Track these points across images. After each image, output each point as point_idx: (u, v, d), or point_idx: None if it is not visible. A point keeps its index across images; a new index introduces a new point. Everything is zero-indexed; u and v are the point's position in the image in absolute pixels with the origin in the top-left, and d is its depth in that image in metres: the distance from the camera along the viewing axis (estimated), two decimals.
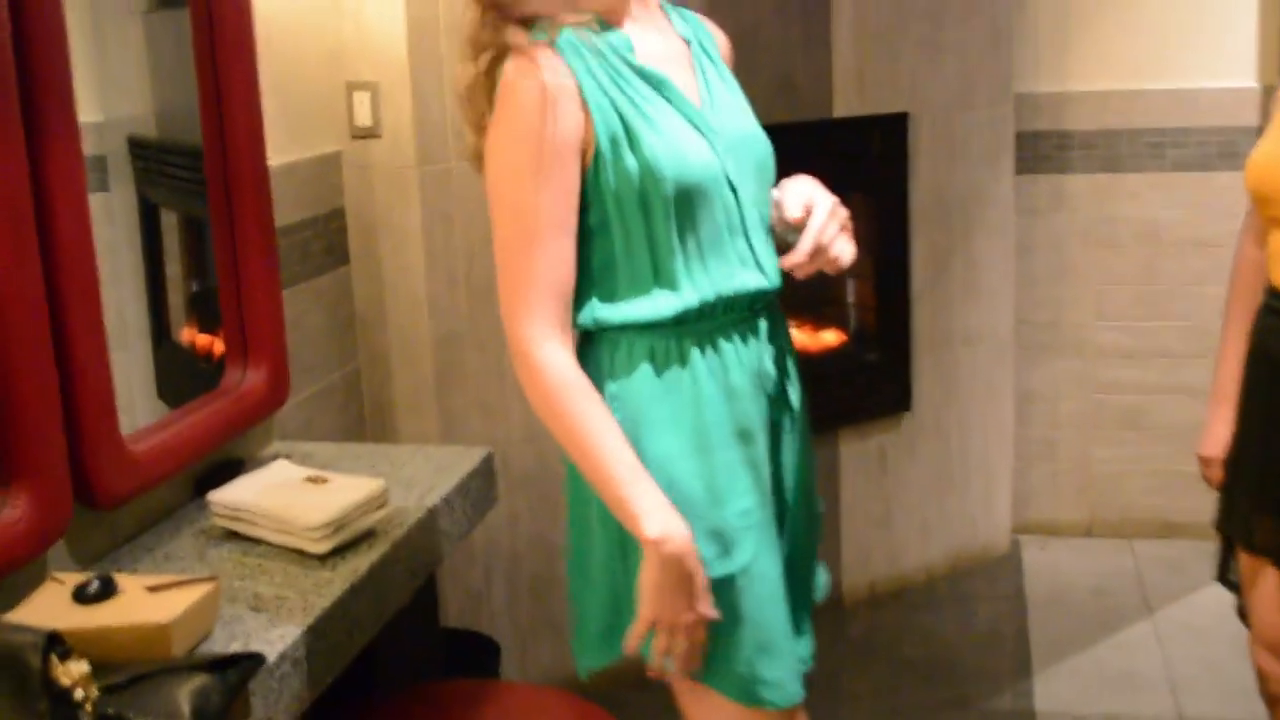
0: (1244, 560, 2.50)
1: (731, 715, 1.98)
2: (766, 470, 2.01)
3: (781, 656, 1.98)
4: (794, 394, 2.08)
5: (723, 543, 1.92)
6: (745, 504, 1.94)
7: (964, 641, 4.04)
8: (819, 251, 1.90)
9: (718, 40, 2.13)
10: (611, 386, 1.94)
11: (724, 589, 1.91)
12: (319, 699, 1.98)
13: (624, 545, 1.96)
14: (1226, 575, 2.63)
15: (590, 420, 1.87)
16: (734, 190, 1.94)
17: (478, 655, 2.93)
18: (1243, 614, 2.60)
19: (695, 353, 1.94)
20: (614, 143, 1.87)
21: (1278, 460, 2.37)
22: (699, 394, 1.93)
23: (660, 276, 1.90)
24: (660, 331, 1.92)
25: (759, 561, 1.95)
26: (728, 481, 1.93)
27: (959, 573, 4.45)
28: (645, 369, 1.93)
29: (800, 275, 1.94)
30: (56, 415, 1.93)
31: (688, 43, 2.05)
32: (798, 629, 2.10)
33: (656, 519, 1.82)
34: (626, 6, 1.95)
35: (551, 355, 1.86)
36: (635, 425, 1.92)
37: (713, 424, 1.94)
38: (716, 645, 1.93)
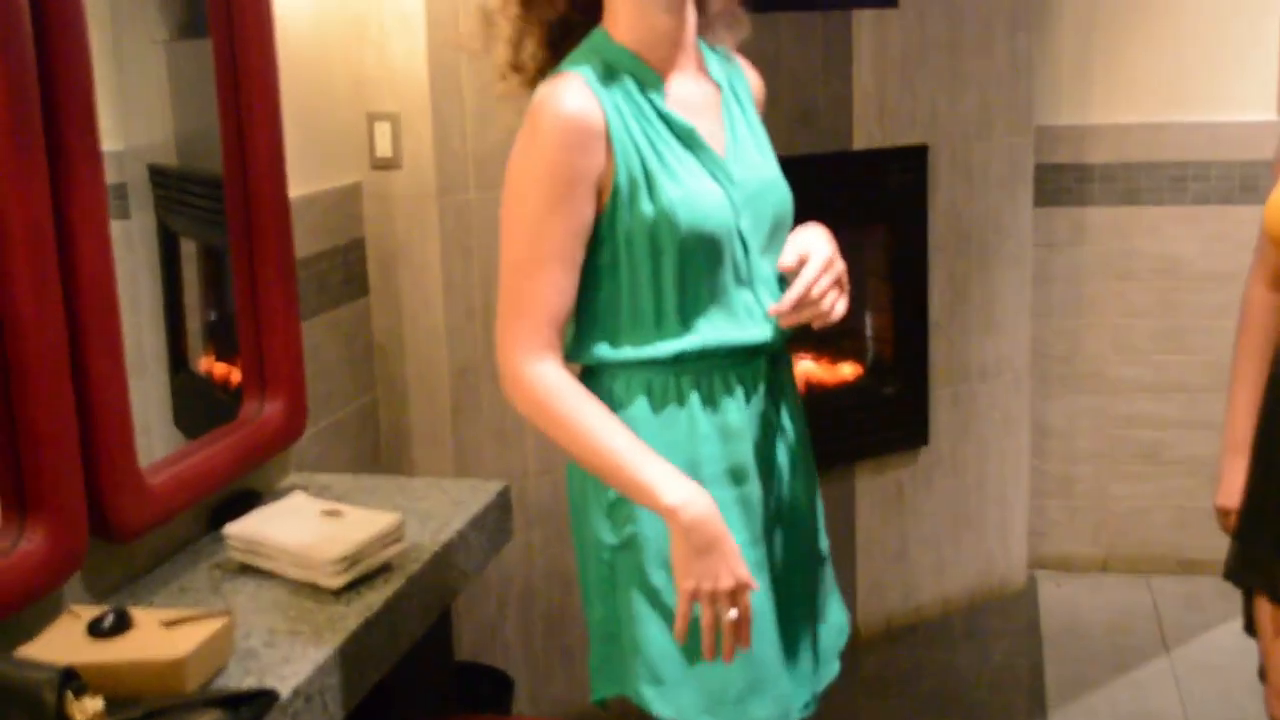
0: (1264, 609, 2.47)
1: None
2: (760, 510, 2.00)
3: (773, 694, 1.97)
4: (794, 437, 2.08)
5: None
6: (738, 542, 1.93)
7: (979, 678, 4.02)
8: (805, 303, 1.90)
9: (751, 83, 2.13)
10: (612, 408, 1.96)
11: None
12: None
13: (613, 577, 1.98)
14: (1252, 625, 2.60)
15: (587, 416, 1.88)
16: (744, 243, 1.95)
17: (491, 689, 2.93)
18: (1263, 672, 2.57)
19: (693, 392, 1.95)
20: (632, 186, 1.88)
21: None
22: (694, 431, 1.95)
23: (662, 320, 1.91)
24: (658, 368, 1.94)
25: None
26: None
27: (975, 608, 4.43)
28: (642, 403, 1.95)
29: (784, 325, 1.95)
30: (74, 447, 1.93)
31: (719, 86, 2.04)
32: (797, 666, 2.07)
33: (672, 487, 1.82)
34: (664, 47, 1.95)
35: (542, 368, 1.89)
36: None
37: (706, 461, 1.95)
38: (706, 682, 1.93)
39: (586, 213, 1.89)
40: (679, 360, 1.93)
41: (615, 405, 1.95)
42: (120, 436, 2.05)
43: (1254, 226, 2.48)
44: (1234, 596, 4.15)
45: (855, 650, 4.11)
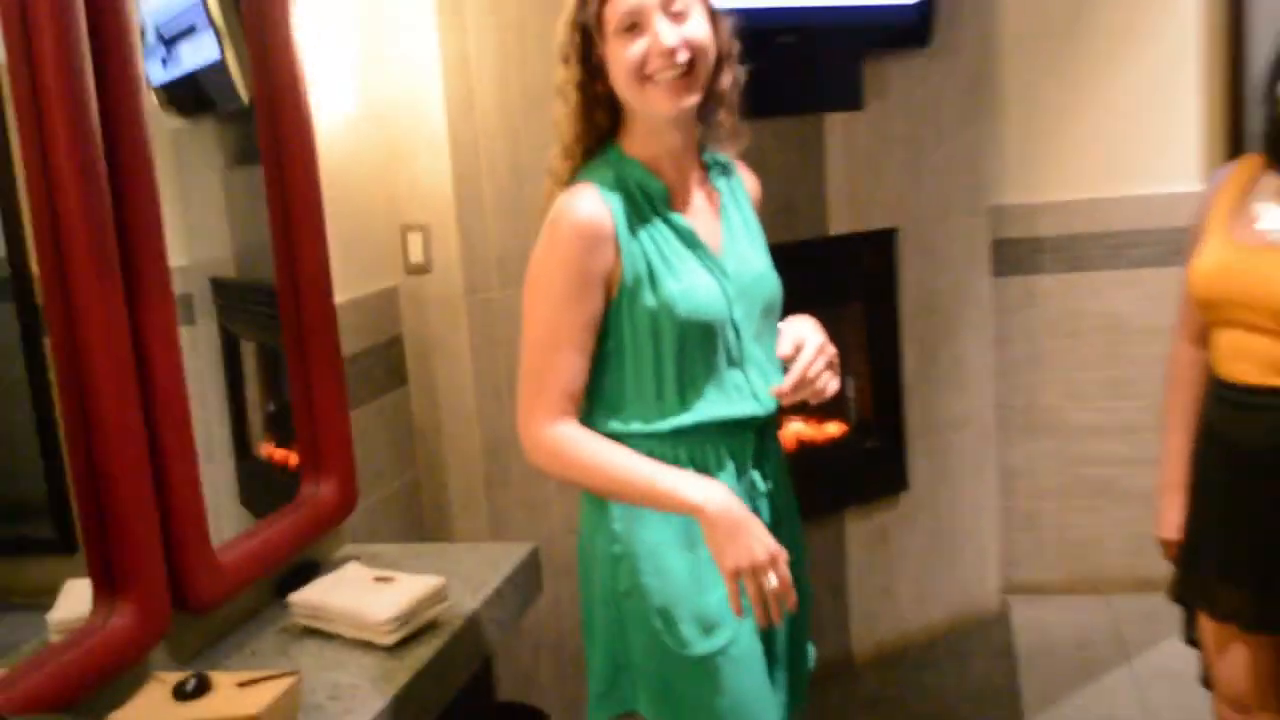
0: (1206, 626, 2.47)
1: None
2: None
3: None
4: (779, 496, 2.10)
5: (705, 625, 1.94)
6: (725, 592, 1.94)
7: (962, 694, 4.00)
8: (802, 384, 1.93)
9: (748, 185, 2.17)
10: None
11: (706, 666, 1.93)
12: None
13: (620, 608, 2.00)
14: (1192, 637, 2.60)
15: (605, 450, 1.94)
16: (737, 330, 1.98)
17: None
18: (1206, 680, 2.57)
19: (687, 459, 1.97)
20: (637, 281, 1.92)
21: (1238, 536, 2.35)
22: None
23: (663, 399, 1.95)
24: (659, 440, 1.97)
25: (738, 643, 1.96)
26: (711, 572, 1.93)
27: (955, 632, 4.42)
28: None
29: (786, 403, 1.98)
30: (155, 533, 1.95)
31: (719, 190, 2.08)
32: (778, 697, 2.08)
33: (694, 487, 1.86)
34: (671, 159, 1.99)
35: (559, 428, 1.94)
36: (632, 518, 1.97)
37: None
38: (699, 716, 1.95)
39: (597, 304, 1.93)
40: (677, 433, 1.96)
41: None
42: (195, 521, 2.07)
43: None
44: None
45: (851, 674, 4.13)
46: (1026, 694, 3.96)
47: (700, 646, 1.94)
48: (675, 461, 1.96)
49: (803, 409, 2.21)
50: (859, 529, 4.19)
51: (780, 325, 2.04)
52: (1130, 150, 4.44)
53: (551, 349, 1.93)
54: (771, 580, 1.82)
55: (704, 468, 1.97)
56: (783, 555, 1.84)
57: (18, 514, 2.07)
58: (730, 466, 2.00)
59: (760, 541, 1.82)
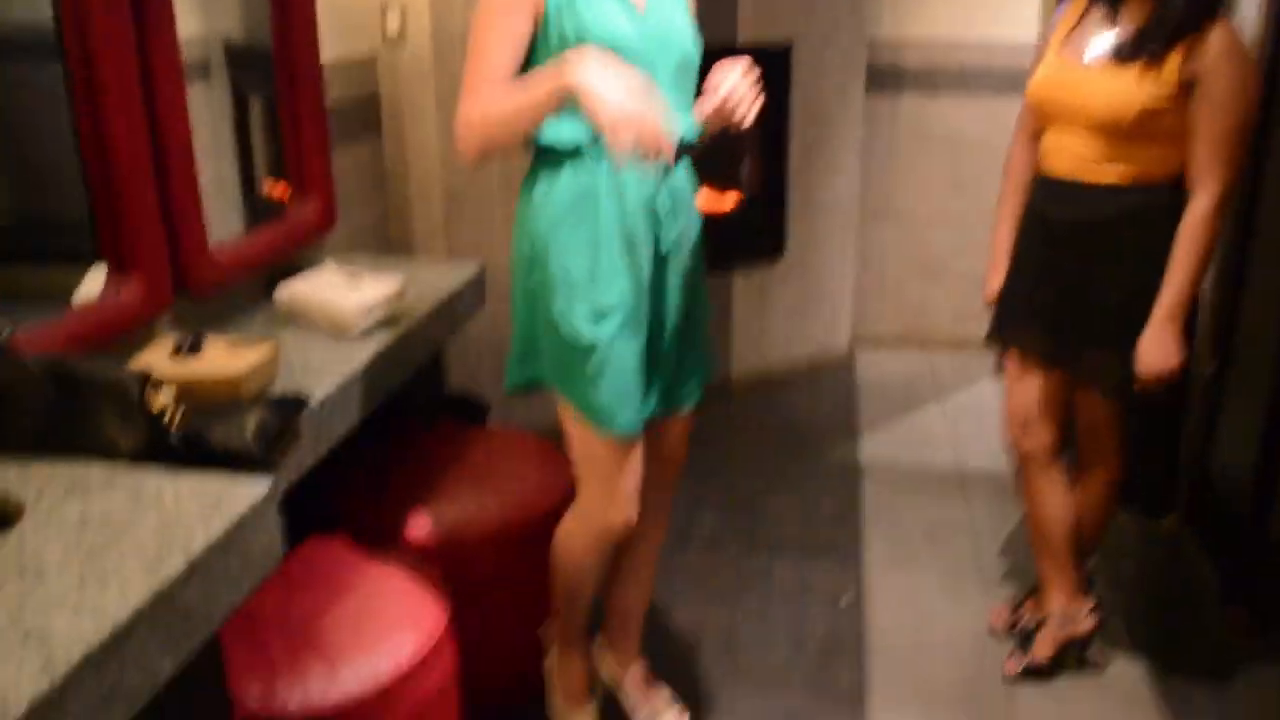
0: (1012, 359, 2.48)
1: (585, 430, 1.95)
2: (645, 275, 1.91)
3: (628, 407, 1.92)
4: (681, 226, 1.98)
5: (597, 317, 1.87)
6: (618, 293, 1.87)
7: (813, 416, 4.04)
8: (724, 108, 1.80)
9: None
10: (540, 188, 1.89)
11: (595, 352, 1.87)
12: (352, 435, 1.94)
13: (533, 296, 1.92)
14: (1000, 370, 2.61)
15: (499, 97, 1.79)
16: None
17: (473, 412, 2.89)
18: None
19: (602, 177, 1.86)
20: (559, 12, 1.79)
21: (1042, 291, 2.34)
22: (598, 207, 1.86)
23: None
24: (578, 158, 1.86)
25: (621, 339, 1.89)
26: (608, 274, 1.86)
27: (813, 371, 4.44)
28: (565, 181, 1.87)
29: (705, 122, 1.87)
30: (158, 224, 1.85)
31: None
32: (652, 391, 2.02)
33: (565, 69, 1.67)
34: None
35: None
36: (551, 225, 1.88)
37: (604, 230, 1.87)
38: (587, 388, 1.89)
39: (524, 26, 1.80)
40: (596, 142, 1.83)
41: (544, 182, 1.88)
42: (194, 220, 1.96)
43: (1016, 112, 2.46)
44: (989, 367, 4.15)
45: (729, 398, 4.14)
46: (863, 419, 4.01)
47: (590, 334, 1.87)
48: (590, 175, 1.86)
49: (706, 179, 2.09)
50: (744, 284, 4.16)
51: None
52: (983, 2, 4.31)
53: (484, 61, 1.80)
54: (647, 131, 1.61)
55: (618, 188, 1.87)
56: (652, 96, 1.66)
57: (63, 229, 1.96)
58: (641, 184, 1.88)
59: (624, 72, 1.65)
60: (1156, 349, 2.17)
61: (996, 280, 2.50)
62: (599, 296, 1.87)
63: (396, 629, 1.77)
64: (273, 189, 2.58)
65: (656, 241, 1.93)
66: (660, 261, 1.95)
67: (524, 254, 1.94)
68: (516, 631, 2.31)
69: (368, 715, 1.67)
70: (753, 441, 3.82)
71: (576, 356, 1.89)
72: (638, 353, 1.93)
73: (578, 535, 2.09)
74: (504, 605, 2.24)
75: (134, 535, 1.14)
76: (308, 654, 1.68)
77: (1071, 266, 2.28)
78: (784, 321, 4.32)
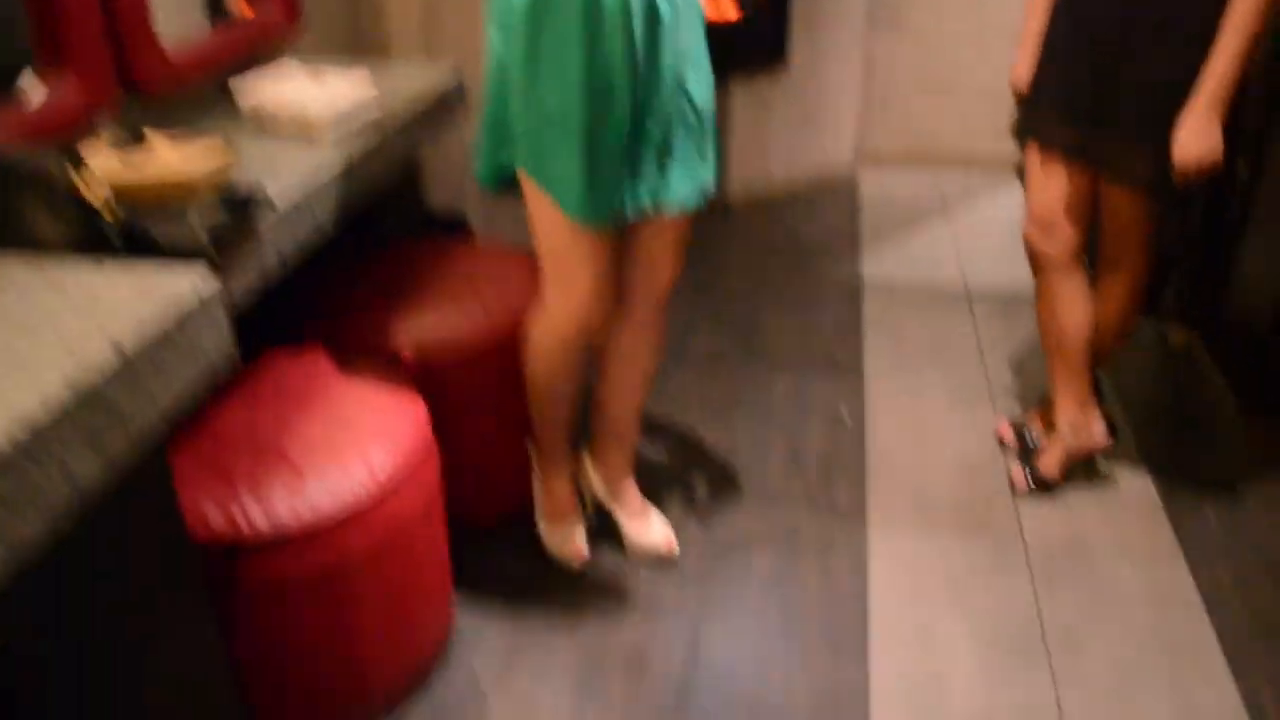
0: (1033, 154, 2.33)
1: (550, 214, 1.81)
2: (637, 39, 1.71)
3: (598, 189, 1.76)
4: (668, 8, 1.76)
5: (570, 85, 1.69)
6: (600, 56, 1.69)
7: (814, 234, 3.89)
8: None
9: None
10: None
11: (566, 120, 1.71)
12: (319, 254, 1.82)
13: (503, 73, 1.76)
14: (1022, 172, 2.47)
15: None
16: None
17: (454, 231, 2.76)
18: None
19: None
20: None
21: (1074, 84, 2.17)
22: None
23: None
24: None
25: (597, 108, 1.71)
26: (583, 40, 1.67)
27: (814, 188, 4.27)
28: None
29: None
30: (98, 22, 1.69)
31: None
32: (635, 179, 1.83)
33: None
34: None
35: None
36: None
37: (602, 19, 1.68)
38: (554, 162, 1.75)
39: None
40: None
41: None
42: (138, 10, 1.78)
43: None
44: (997, 184, 3.97)
45: (729, 214, 4.00)
46: (866, 237, 3.86)
47: (559, 102, 1.69)
48: None
49: None
50: (744, 96, 3.95)
51: None
52: None
53: None
54: None
55: None
56: None
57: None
58: None
59: None
60: (1197, 137, 2.00)
61: (1023, 72, 2.33)
62: (572, 61, 1.68)
63: (373, 442, 1.67)
64: (244, 10, 2.39)
65: (651, 6, 1.73)
66: (653, 25, 1.74)
67: (499, 21, 1.75)
68: (502, 449, 2.23)
69: (343, 537, 1.58)
70: (751, 259, 3.69)
71: (545, 127, 1.72)
72: (617, 128, 1.75)
73: (541, 338, 1.98)
74: (488, 420, 2.15)
75: (54, 326, 1.02)
76: (275, 472, 1.58)
77: (1108, 42, 2.09)
78: (785, 136, 4.13)
